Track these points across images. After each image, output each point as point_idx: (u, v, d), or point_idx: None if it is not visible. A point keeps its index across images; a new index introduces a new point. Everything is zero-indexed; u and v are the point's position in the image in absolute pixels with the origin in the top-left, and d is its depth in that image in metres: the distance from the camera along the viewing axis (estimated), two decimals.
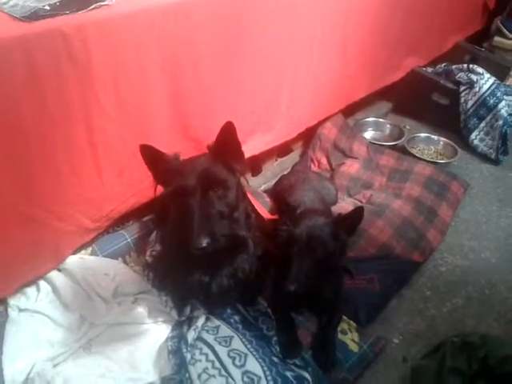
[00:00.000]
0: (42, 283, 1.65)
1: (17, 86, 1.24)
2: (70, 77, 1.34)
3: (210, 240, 1.24)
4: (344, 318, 1.68)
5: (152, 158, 1.38)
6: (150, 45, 1.50)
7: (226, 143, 1.37)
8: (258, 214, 1.71)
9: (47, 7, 1.26)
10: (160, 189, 1.44)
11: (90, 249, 1.76)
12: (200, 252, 1.25)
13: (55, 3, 1.28)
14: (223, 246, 1.30)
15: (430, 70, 3.18)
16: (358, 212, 1.52)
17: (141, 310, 1.62)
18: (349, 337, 1.62)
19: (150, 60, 1.54)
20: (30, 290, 1.64)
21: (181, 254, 1.44)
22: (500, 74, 3.08)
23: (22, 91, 1.26)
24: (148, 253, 1.78)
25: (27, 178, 1.39)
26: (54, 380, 1.39)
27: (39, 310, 1.59)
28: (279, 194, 2.10)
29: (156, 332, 1.58)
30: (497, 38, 3.74)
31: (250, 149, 2.05)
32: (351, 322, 1.68)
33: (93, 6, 1.31)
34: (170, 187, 1.34)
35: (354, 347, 1.58)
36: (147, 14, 1.44)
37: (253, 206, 1.67)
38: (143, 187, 1.73)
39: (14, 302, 1.59)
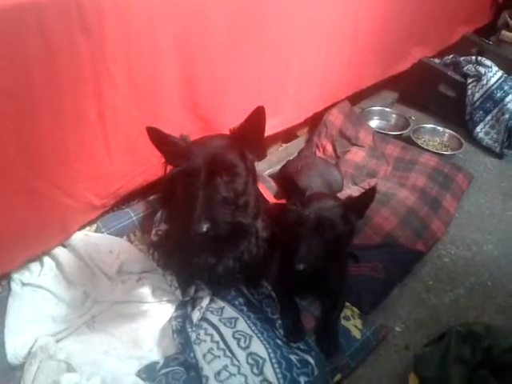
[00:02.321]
0: (45, 258, 1.64)
1: (28, 54, 1.21)
2: (83, 47, 1.31)
3: (210, 226, 1.21)
4: (347, 304, 1.68)
5: (159, 139, 1.35)
6: (163, 19, 1.48)
7: (251, 128, 1.34)
8: (264, 199, 1.70)
9: None
10: (170, 167, 1.42)
11: (95, 226, 1.75)
12: (199, 237, 1.23)
13: None
14: (225, 233, 1.27)
15: (437, 61, 3.16)
16: (369, 193, 1.51)
17: (145, 289, 1.61)
18: (352, 323, 1.62)
19: (163, 34, 1.52)
20: (34, 265, 1.62)
21: (187, 234, 1.42)
22: (507, 67, 3.05)
23: (34, 59, 1.23)
24: (153, 232, 1.76)
25: (36, 151, 1.36)
26: (57, 354, 1.38)
27: (42, 284, 1.58)
28: (286, 178, 2.08)
29: (160, 311, 1.57)
30: (504, 32, 3.71)
31: None
32: (354, 308, 1.68)
33: None
34: (179, 167, 1.31)
35: (356, 334, 1.58)
36: None
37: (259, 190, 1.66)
38: (151, 165, 1.71)
39: (17, 276, 1.58)
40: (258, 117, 1.32)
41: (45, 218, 1.50)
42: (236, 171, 1.33)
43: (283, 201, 1.87)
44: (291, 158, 2.42)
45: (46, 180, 1.43)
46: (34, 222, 1.47)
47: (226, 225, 1.26)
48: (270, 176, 2.28)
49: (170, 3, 1.46)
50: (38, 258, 1.62)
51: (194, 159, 1.28)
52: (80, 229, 1.70)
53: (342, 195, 2.10)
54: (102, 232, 1.75)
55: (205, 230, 1.20)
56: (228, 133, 1.38)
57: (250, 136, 1.36)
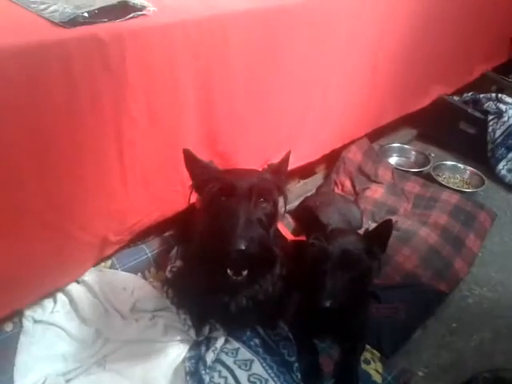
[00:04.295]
0: (59, 295, 1.61)
1: (51, 92, 1.23)
2: (104, 85, 1.33)
3: (248, 244, 1.20)
4: (367, 347, 1.62)
5: (193, 163, 1.40)
6: (184, 58, 1.49)
7: (278, 169, 1.47)
8: (281, 235, 1.67)
9: (86, 14, 1.25)
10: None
11: (110, 262, 1.73)
12: (236, 255, 1.21)
13: (93, 10, 1.27)
14: (258, 256, 1.25)
15: (456, 98, 3.15)
16: (385, 225, 1.48)
17: (158, 328, 1.56)
18: (372, 367, 1.55)
19: (183, 74, 1.53)
20: (47, 301, 1.60)
21: (203, 269, 1.40)
22: None
23: (56, 97, 1.24)
24: (168, 268, 1.74)
25: (53, 186, 1.36)
26: None
27: (55, 322, 1.55)
28: (305, 214, 2.05)
29: (173, 351, 1.52)
30: None
31: None
32: (374, 351, 1.61)
33: (131, 15, 1.31)
34: (219, 182, 1.32)
35: (377, 378, 1.51)
36: (183, 27, 1.43)
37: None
38: (168, 201, 1.70)
39: (30, 312, 1.55)
40: (287, 159, 1.50)
41: (60, 253, 1.48)
42: (272, 198, 1.36)
43: (302, 237, 1.83)
44: (309, 194, 2.40)
45: (63, 215, 1.43)
46: (49, 258, 1.46)
47: (260, 247, 1.25)
48: (287, 212, 2.26)
49: (191, 42, 1.48)
50: (51, 294, 1.60)
51: (233, 179, 1.32)
52: (95, 265, 1.68)
53: (362, 232, 2.07)
54: (117, 268, 1.72)
55: (243, 247, 1.19)
56: None
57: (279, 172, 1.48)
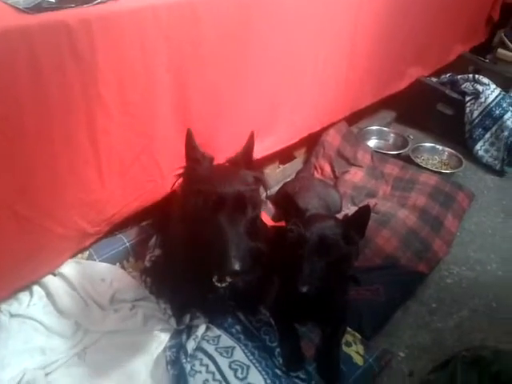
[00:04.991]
0: (35, 287, 1.58)
1: (17, 79, 1.19)
2: (73, 72, 1.28)
3: (242, 264, 1.19)
4: (348, 329, 1.63)
5: (190, 147, 1.37)
6: (155, 43, 1.45)
7: (245, 154, 1.41)
8: (261, 222, 1.66)
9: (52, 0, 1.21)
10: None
11: (87, 253, 1.70)
12: (231, 274, 1.24)
13: None
14: (249, 266, 1.26)
15: (434, 79, 3.16)
16: (364, 210, 1.49)
17: (138, 318, 1.56)
18: (353, 349, 1.57)
19: (156, 59, 1.49)
20: (23, 295, 1.57)
21: (183, 258, 1.40)
22: (504, 85, 3.05)
23: (23, 85, 1.20)
24: (147, 258, 1.72)
25: (25, 178, 1.32)
26: None
27: (32, 315, 1.52)
28: (284, 200, 2.05)
29: (154, 341, 1.52)
30: (500, 50, 3.72)
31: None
32: (356, 333, 1.63)
33: (99, 0, 1.26)
34: (205, 196, 1.27)
35: (358, 360, 1.53)
36: (153, 10, 1.39)
37: None
38: (146, 190, 1.68)
39: (5, 306, 1.52)
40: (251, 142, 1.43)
41: (35, 246, 1.45)
42: (258, 204, 1.35)
43: (281, 223, 1.83)
44: (289, 179, 2.39)
45: (37, 207, 1.39)
46: (23, 251, 1.43)
47: (252, 260, 1.26)
48: (267, 198, 2.25)
49: (162, 26, 1.44)
50: (27, 287, 1.57)
51: (221, 189, 1.26)
52: (72, 256, 1.65)
53: (341, 216, 2.08)
54: (94, 259, 1.69)
55: (238, 268, 1.18)
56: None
57: (245, 160, 1.42)
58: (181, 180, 1.42)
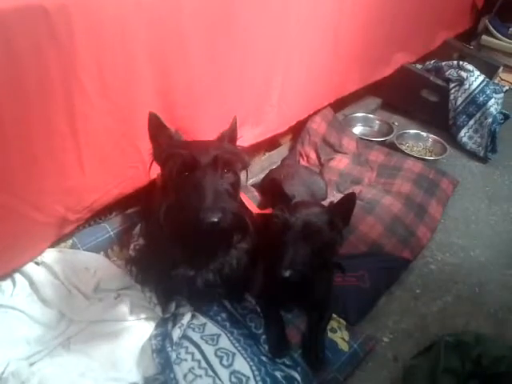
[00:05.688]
0: (18, 277, 1.56)
1: None
2: (51, 57, 1.25)
3: (221, 215, 1.16)
4: (334, 316, 1.64)
5: (157, 130, 1.35)
6: (136, 27, 1.42)
7: (229, 136, 1.43)
8: (246, 209, 1.65)
9: None
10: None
11: (70, 242, 1.68)
12: (209, 228, 1.16)
13: None
14: (231, 225, 1.21)
15: (419, 66, 3.16)
16: (349, 198, 1.49)
17: (123, 307, 1.54)
18: (338, 335, 1.58)
19: (137, 45, 1.46)
20: (5, 284, 1.55)
21: (167, 245, 1.37)
22: (487, 72, 3.07)
23: None
24: (131, 246, 1.70)
25: (1, 164, 1.29)
26: (30, 380, 1.31)
27: (14, 305, 1.50)
28: (270, 187, 2.04)
29: (139, 329, 1.51)
30: (484, 37, 3.76)
31: (238, 141, 1.98)
32: (341, 320, 1.64)
33: None
34: (180, 158, 1.26)
35: (344, 346, 1.54)
36: None
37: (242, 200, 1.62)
38: (127, 177, 1.66)
39: None
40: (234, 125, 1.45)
41: (13, 233, 1.43)
42: (235, 168, 1.33)
43: (267, 211, 1.82)
44: (274, 166, 2.38)
45: (13, 193, 1.36)
46: (2, 238, 1.40)
47: (232, 215, 1.21)
48: (252, 185, 2.24)
49: (143, 10, 1.41)
50: (9, 276, 1.55)
51: (198, 151, 1.26)
52: (54, 245, 1.63)
53: (327, 203, 2.08)
54: (78, 248, 1.68)
55: (216, 219, 1.14)
56: None
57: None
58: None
